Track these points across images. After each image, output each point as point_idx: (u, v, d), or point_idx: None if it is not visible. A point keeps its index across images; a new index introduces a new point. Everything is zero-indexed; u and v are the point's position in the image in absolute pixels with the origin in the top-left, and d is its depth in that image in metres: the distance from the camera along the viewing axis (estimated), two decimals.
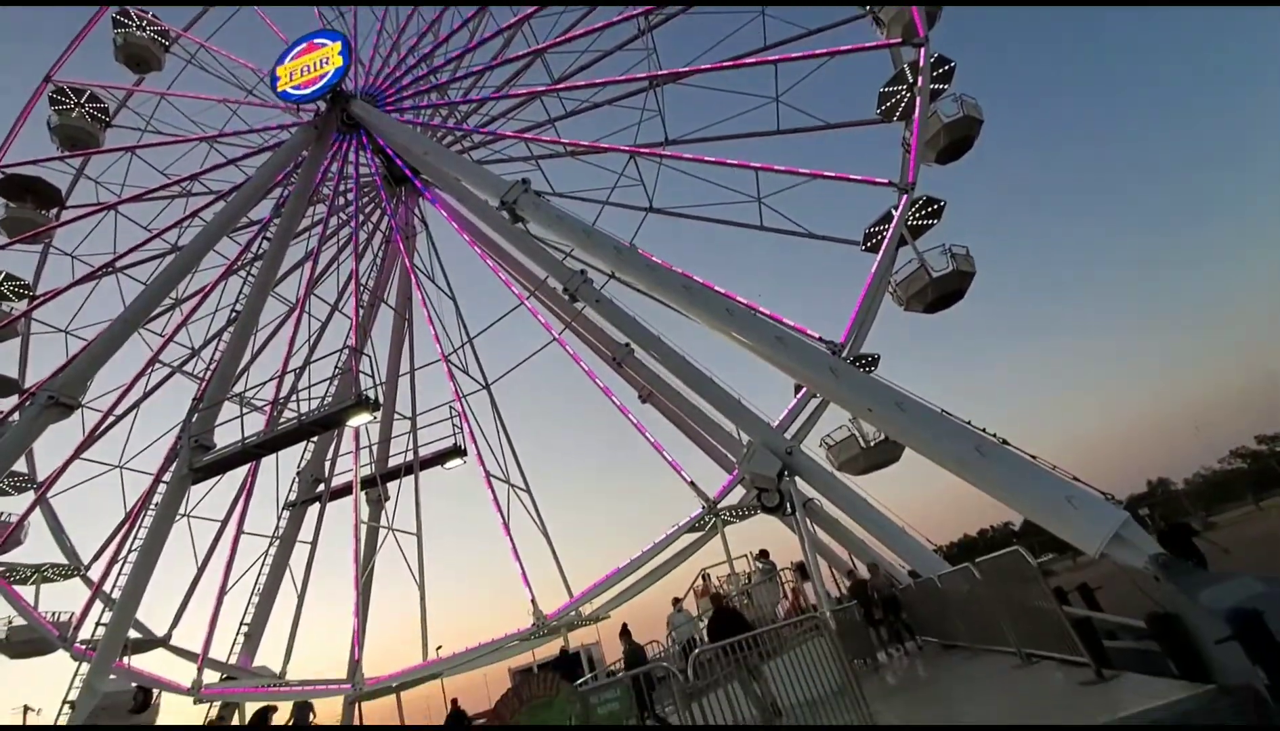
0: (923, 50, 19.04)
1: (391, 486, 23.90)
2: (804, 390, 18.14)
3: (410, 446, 23.37)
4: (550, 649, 22.20)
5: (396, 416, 24.50)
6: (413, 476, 23.52)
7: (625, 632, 13.81)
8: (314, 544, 24.09)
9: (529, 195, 16.09)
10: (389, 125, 21.54)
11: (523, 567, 20.47)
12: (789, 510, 16.85)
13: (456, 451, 23.12)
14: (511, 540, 20.62)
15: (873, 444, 20.16)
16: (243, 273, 23.08)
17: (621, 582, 19.39)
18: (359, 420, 19.80)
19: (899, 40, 19.51)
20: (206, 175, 24.58)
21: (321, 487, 24.56)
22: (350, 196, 22.98)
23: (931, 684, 10.97)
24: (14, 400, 24.86)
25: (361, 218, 23.72)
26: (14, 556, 23.84)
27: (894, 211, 18.72)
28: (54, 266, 25.92)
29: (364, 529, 23.37)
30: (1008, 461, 10.49)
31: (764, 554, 18.98)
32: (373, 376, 21.25)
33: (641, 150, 20.11)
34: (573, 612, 20.53)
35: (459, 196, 19.59)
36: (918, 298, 18.89)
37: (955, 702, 8.73)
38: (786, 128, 20.51)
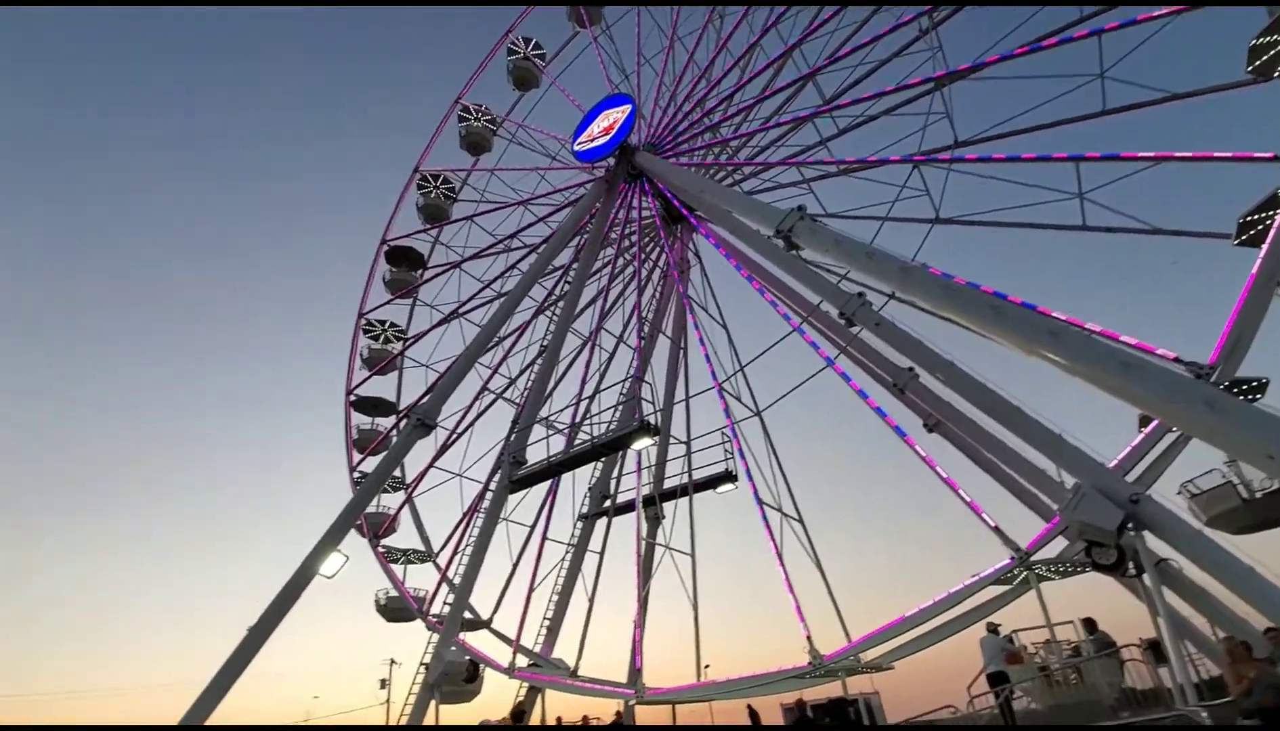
0: None
1: (668, 507, 25.27)
2: (1152, 424, 14.71)
3: (685, 469, 24.51)
4: (821, 691, 21.09)
5: (672, 440, 25.90)
6: (687, 498, 24.60)
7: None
8: (601, 553, 26.51)
9: (805, 222, 15.84)
10: (666, 170, 23.25)
11: (796, 601, 19.86)
12: (1131, 571, 13.78)
13: (728, 476, 23.58)
14: (785, 571, 20.18)
15: (1259, 495, 15.47)
16: (549, 312, 26.86)
17: (909, 632, 17.58)
18: (641, 443, 21.33)
19: None
20: (522, 233, 29.46)
21: (608, 503, 26.99)
22: (634, 238, 25.33)
23: None
24: (392, 419, 32.08)
25: (643, 256, 25.95)
26: (390, 541, 30.48)
27: None
28: (418, 315, 33.01)
29: (644, 544, 24.99)
30: None
31: (1092, 623, 15.88)
32: (653, 403, 22.81)
33: (926, 157, 18.54)
34: (851, 656, 19.24)
35: (731, 228, 20.18)
36: None
37: None
38: (1116, 106, 17.08)
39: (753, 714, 16.28)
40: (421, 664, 23.27)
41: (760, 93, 23.26)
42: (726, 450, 23.17)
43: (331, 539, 21.45)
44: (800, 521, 22.17)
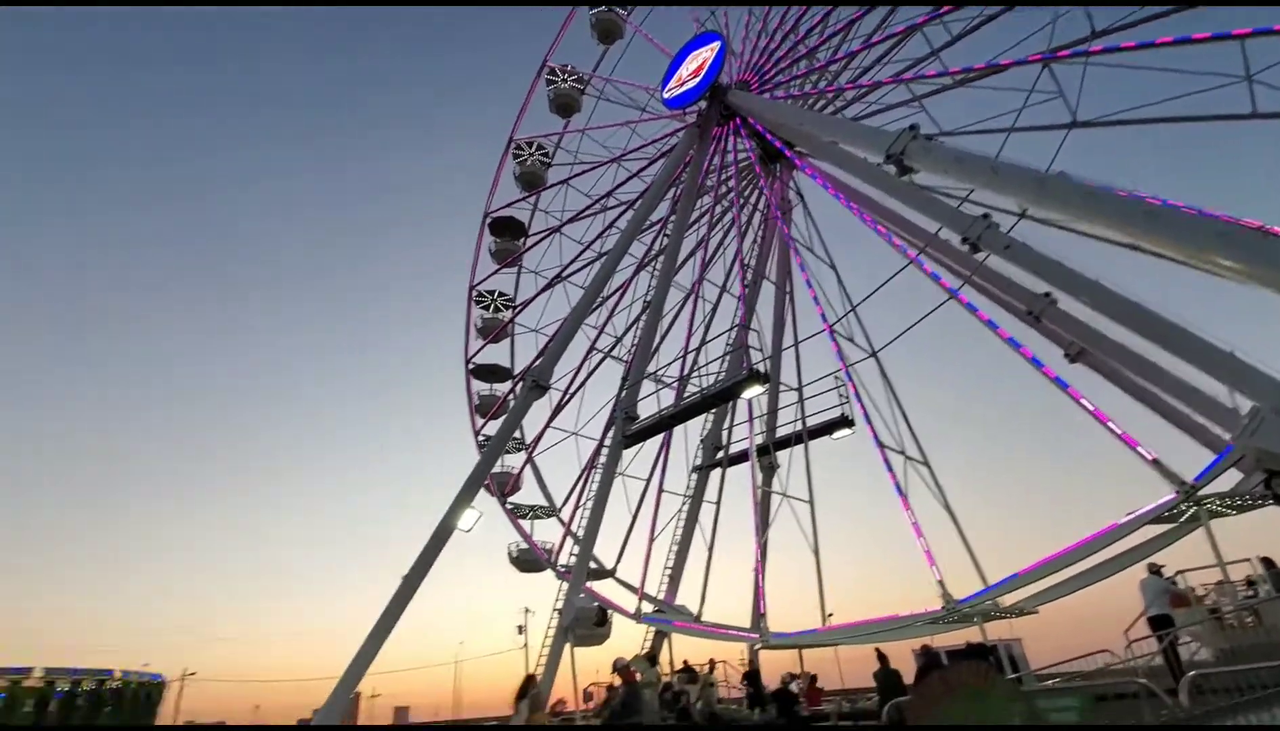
0: None
1: (783, 455, 25.01)
2: None
3: (798, 417, 24.06)
4: (956, 637, 20.35)
5: (783, 388, 25.41)
6: (802, 445, 24.18)
7: None
8: (718, 504, 26.76)
9: (918, 142, 14.64)
10: (761, 105, 22.25)
11: (925, 544, 19.20)
12: None
13: (844, 422, 22.91)
14: (911, 514, 19.51)
15: None
16: (650, 268, 26.84)
17: (1056, 574, 16.51)
18: (751, 392, 21.08)
19: None
20: (618, 190, 29.41)
21: (721, 454, 27.08)
22: (731, 183, 24.60)
23: None
24: (508, 384, 33.61)
25: (741, 200, 25.20)
26: (516, 498, 32.28)
27: None
28: (525, 281, 34.07)
29: (760, 493, 24.94)
30: None
31: (1271, 562, 14.22)
32: (760, 350, 22.42)
33: (1058, 54, 16.41)
34: (988, 600, 18.40)
35: (835, 160, 19.06)
36: None
37: None
38: None
39: (881, 656, 16.00)
40: (554, 609, 24.71)
41: (860, 7, 21.48)
42: (841, 394, 22.50)
43: (464, 497, 23.02)
44: (926, 463, 21.25)
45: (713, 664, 22.73)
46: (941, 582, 18.46)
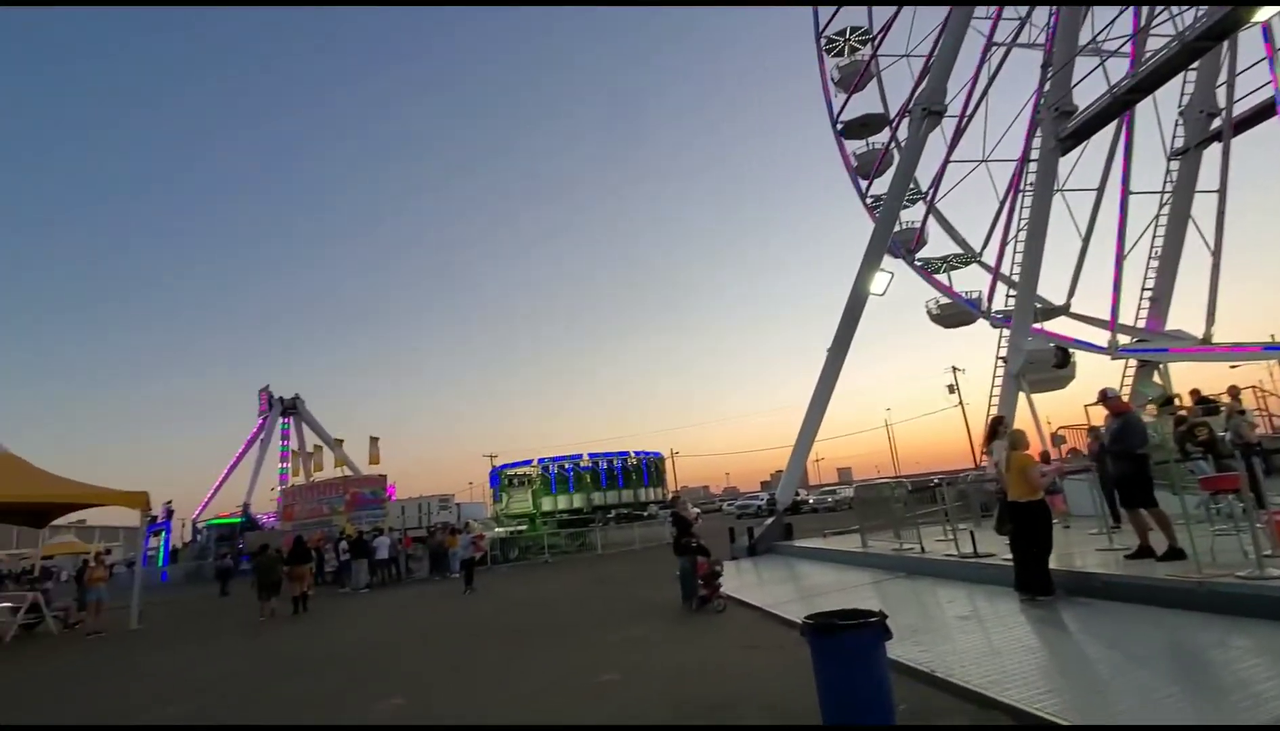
0: None
1: None
2: None
3: None
4: None
5: None
6: None
7: None
8: (1221, 192, 19.63)
9: None
10: None
11: None
12: None
13: None
14: None
15: None
16: None
17: None
18: (1266, 12, 14.04)
19: None
20: None
21: (1218, 123, 19.41)
22: None
23: None
24: (886, 133, 29.75)
25: None
26: (924, 254, 29.59)
27: None
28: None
29: None
30: None
31: None
32: None
33: None
34: None
35: None
36: None
37: None
38: None
39: None
40: (998, 359, 22.60)
41: None
42: None
43: (870, 264, 21.99)
44: None
45: (1236, 391, 18.09)
46: None
